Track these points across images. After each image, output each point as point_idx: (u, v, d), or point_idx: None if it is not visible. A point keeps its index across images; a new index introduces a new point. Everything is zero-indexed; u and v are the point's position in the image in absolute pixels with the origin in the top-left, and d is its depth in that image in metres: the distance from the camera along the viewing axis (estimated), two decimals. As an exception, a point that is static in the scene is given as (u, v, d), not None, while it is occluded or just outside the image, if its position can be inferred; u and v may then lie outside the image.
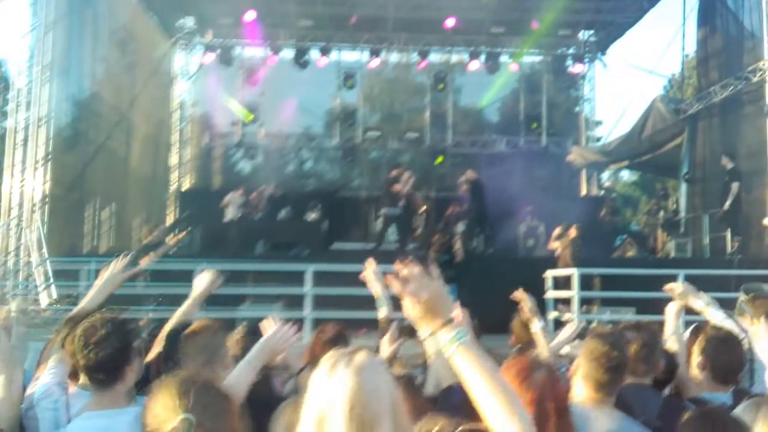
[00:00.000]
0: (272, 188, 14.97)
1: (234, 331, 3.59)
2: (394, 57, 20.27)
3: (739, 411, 2.18)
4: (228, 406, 1.53)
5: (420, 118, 20.31)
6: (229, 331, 3.35)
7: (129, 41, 15.99)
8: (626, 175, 32.51)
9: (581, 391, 2.46)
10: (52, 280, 10.81)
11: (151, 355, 2.91)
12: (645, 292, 8.11)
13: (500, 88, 19.79)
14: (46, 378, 2.67)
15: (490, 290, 6.88)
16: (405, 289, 1.59)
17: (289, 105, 18.55)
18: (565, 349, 3.94)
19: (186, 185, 19.88)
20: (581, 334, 3.76)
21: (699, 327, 3.27)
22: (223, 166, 19.97)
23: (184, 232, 12.32)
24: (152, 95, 17.34)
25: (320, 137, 20.34)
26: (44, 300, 10.55)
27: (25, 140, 12.10)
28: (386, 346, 3.15)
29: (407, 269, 1.60)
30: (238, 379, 2.43)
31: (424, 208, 14.18)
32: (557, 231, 11.10)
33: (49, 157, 12.30)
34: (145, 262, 8.24)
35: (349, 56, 19.52)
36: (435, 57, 19.57)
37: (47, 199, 12.28)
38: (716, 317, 3.44)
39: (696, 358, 2.97)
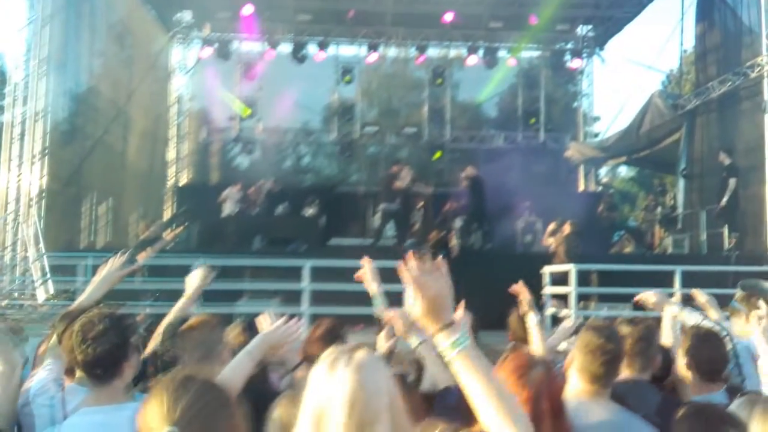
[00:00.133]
0: (271, 182, 14.93)
1: (230, 326, 3.60)
2: (392, 52, 20.27)
3: (734, 408, 2.19)
4: (224, 412, 1.49)
5: (418, 113, 20.30)
6: (227, 327, 3.35)
7: (126, 35, 15.94)
8: (624, 171, 32.60)
9: (576, 383, 2.46)
10: (49, 275, 10.78)
11: (148, 350, 2.91)
12: (642, 288, 8.13)
13: (498, 83, 19.79)
14: (42, 374, 2.66)
15: (488, 286, 6.87)
16: (414, 279, 1.58)
17: (287, 100, 18.51)
18: (563, 346, 3.95)
19: (183, 180, 19.85)
20: (578, 331, 3.76)
21: (684, 329, 3.29)
22: (221, 161, 19.92)
23: (181, 228, 12.33)
24: (149, 90, 17.29)
25: (318, 132, 20.32)
26: (41, 295, 10.54)
27: (22, 135, 12.07)
28: (383, 341, 3.15)
29: (420, 262, 1.59)
30: (236, 370, 2.41)
31: (422, 203, 14.18)
32: (551, 227, 11.11)
33: (46, 151, 12.28)
34: (142, 258, 8.23)
35: (347, 51, 19.52)
36: (433, 52, 19.59)
37: (44, 194, 12.25)
38: (693, 320, 3.46)
39: (682, 360, 2.99)
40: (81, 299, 3.15)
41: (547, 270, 9.91)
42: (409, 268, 1.59)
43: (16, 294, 11.04)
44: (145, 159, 17.66)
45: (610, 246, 14.15)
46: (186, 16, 18.71)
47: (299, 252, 11.71)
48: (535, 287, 9.44)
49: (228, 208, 14.08)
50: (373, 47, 18.39)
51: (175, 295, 3.29)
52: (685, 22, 15.55)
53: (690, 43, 15.91)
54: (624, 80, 50.12)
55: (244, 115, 18.79)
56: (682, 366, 2.97)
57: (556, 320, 8.85)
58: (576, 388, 2.45)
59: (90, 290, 3.19)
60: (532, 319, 3.63)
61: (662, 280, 9.06)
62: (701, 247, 13.43)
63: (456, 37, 18.86)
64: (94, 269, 3.32)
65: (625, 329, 2.86)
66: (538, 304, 5.15)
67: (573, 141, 19.68)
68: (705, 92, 14.10)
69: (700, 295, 4.13)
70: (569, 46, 19.81)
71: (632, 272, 9.93)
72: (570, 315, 8.65)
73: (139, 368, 2.55)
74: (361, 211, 15.93)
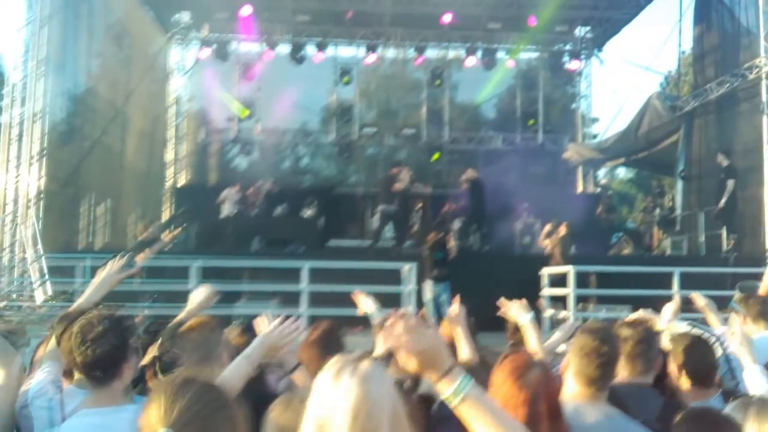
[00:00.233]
0: (270, 183, 14.92)
1: (229, 328, 3.60)
2: (390, 53, 20.26)
3: (728, 411, 2.20)
4: (222, 414, 1.50)
5: (416, 114, 20.30)
6: (225, 328, 3.35)
7: (124, 36, 15.93)
8: (622, 173, 32.63)
9: (573, 386, 2.45)
10: (47, 276, 10.76)
11: (146, 359, 2.90)
12: (641, 289, 8.15)
13: (497, 85, 19.80)
14: (40, 376, 2.65)
15: (487, 288, 6.87)
16: (399, 344, 1.57)
17: (286, 100, 18.50)
18: (561, 348, 3.94)
19: (182, 181, 19.82)
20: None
21: (673, 338, 3.28)
22: (219, 162, 19.90)
23: (179, 229, 12.31)
24: (148, 90, 17.27)
25: (316, 133, 20.31)
26: (39, 296, 10.52)
27: (20, 135, 12.04)
28: (381, 344, 3.15)
29: (401, 323, 1.57)
30: (235, 373, 2.41)
31: (421, 205, 14.18)
32: (547, 228, 11.12)
33: (44, 152, 12.25)
34: (141, 259, 8.22)
35: (346, 52, 19.52)
36: (432, 53, 19.60)
37: (42, 195, 12.23)
38: (681, 329, 3.46)
39: (674, 367, 2.99)
40: (80, 301, 3.15)
41: (546, 271, 9.92)
42: (391, 333, 1.58)
43: (14, 295, 11.01)
44: (143, 160, 17.64)
45: (608, 247, 14.17)
46: (184, 16, 18.68)
47: (298, 253, 11.71)
48: (534, 289, 9.50)
49: (226, 209, 14.08)
50: (371, 48, 18.39)
51: (174, 296, 3.29)
52: (683, 23, 15.59)
53: (688, 44, 15.95)
54: (622, 82, 50.22)
55: (242, 115, 18.78)
56: (674, 374, 2.97)
57: (554, 322, 8.86)
58: (572, 391, 2.44)
59: (89, 293, 3.18)
60: (524, 319, 3.60)
61: (661, 282, 9.10)
62: (700, 248, 13.45)
63: (454, 38, 18.87)
64: (93, 270, 3.30)
65: (625, 331, 2.84)
66: (536, 306, 5.15)
67: (571, 142, 19.69)
68: (703, 94, 14.12)
69: (699, 299, 4.12)
70: (568, 47, 19.83)
71: (631, 274, 9.95)
72: (568, 317, 8.66)
73: (138, 371, 2.55)
74: (359, 212, 15.94)
